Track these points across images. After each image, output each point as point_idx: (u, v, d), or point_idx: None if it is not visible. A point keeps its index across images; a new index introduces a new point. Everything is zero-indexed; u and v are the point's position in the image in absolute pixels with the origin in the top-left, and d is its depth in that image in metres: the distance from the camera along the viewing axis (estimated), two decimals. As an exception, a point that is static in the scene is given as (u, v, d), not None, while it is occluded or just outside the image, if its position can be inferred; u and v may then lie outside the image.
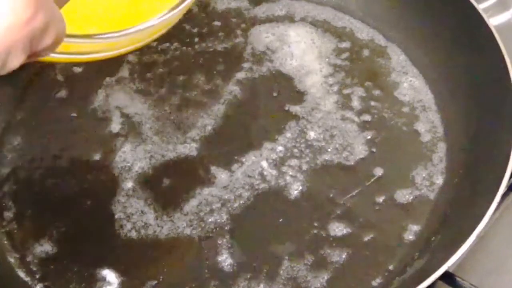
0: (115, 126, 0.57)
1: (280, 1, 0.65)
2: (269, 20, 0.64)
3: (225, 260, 0.49)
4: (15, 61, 0.28)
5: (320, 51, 0.61)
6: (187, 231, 0.51)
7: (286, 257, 0.49)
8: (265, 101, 0.58)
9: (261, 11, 0.64)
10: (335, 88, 0.59)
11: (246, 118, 0.57)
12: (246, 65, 0.60)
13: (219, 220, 0.51)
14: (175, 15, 0.44)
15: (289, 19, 0.63)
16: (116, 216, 0.52)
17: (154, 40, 0.47)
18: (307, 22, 0.63)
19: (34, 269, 0.50)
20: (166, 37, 0.57)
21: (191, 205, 0.52)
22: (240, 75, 0.60)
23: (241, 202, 0.52)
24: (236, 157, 0.55)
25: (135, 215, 0.52)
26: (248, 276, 0.49)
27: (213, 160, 0.55)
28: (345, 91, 0.58)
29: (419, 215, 0.51)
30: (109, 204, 0.52)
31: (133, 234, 0.51)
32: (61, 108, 0.59)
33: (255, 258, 0.50)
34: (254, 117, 0.57)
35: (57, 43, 0.30)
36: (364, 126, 0.56)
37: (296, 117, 0.57)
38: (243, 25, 0.63)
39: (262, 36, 0.62)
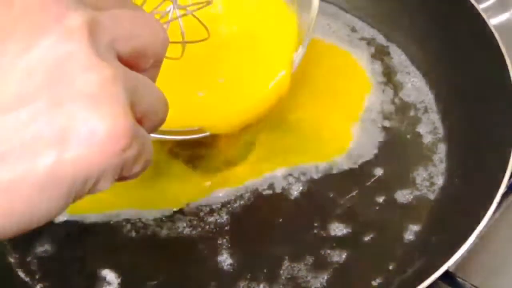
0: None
1: None
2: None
3: (225, 260, 0.49)
4: (105, 185, 0.27)
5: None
6: (187, 231, 0.51)
7: (286, 257, 0.49)
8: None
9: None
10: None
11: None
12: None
13: (219, 220, 0.51)
14: None
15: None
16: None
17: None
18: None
19: (34, 269, 0.50)
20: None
21: (191, 205, 0.52)
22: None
23: (241, 202, 0.52)
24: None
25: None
26: (248, 276, 0.49)
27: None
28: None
29: (419, 215, 0.51)
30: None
31: (133, 234, 0.51)
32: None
33: (255, 259, 0.50)
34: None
35: (144, 170, 0.29)
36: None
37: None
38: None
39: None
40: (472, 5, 0.54)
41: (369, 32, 0.62)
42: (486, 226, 0.44)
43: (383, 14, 0.62)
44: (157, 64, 0.31)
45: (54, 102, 0.25)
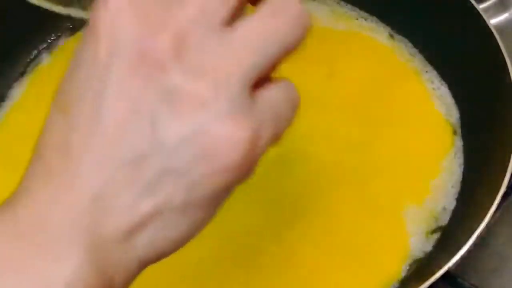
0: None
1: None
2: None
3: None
4: None
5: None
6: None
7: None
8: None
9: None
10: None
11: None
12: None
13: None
14: None
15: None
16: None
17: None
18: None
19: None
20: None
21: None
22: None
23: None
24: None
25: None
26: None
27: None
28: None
29: (419, 215, 0.51)
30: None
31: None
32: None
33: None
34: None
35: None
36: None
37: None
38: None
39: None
40: (472, 5, 0.54)
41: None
42: (486, 226, 0.44)
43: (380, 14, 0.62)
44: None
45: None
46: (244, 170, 0.26)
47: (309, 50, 0.57)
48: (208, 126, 0.25)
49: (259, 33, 0.26)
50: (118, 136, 0.25)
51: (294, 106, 0.28)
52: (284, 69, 0.55)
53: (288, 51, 0.27)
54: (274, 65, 0.27)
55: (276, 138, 0.27)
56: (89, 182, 0.25)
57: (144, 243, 0.26)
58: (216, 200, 0.27)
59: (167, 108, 0.25)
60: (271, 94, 0.27)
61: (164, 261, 0.27)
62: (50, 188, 0.25)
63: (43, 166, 0.26)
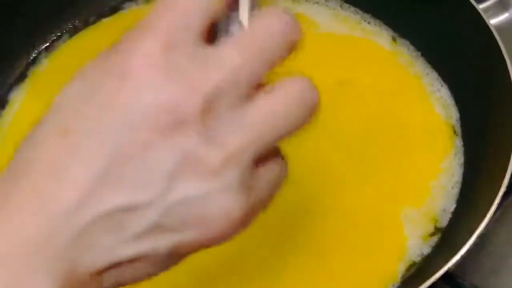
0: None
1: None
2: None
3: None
4: None
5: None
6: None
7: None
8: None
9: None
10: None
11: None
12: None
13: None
14: None
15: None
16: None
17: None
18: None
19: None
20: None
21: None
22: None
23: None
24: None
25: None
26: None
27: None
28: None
29: (421, 216, 0.51)
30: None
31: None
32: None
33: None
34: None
35: None
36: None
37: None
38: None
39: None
40: (472, 5, 0.54)
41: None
42: (486, 226, 0.44)
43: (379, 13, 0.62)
44: None
45: None
46: (227, 239, 0.27)
47: (315, 57, 0.59)
48: (212, 195, 0.25)
49: (275, 114, 0.26)
50: (121, 180, 0.25)
51: (282, 181, 0.29)
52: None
53: (295, 131, 0.27)
54: (257, 77, 0.27)
55: (263, 209, 0.28)
56: (79, 215, 0.25)
57: (111, 278, 0.26)
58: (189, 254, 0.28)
59: (179, 168, 0.25)
60: (269, 171, 0.28)
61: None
62: (27, 209, 0.25)
63: (31, 185, 0.25)
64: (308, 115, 0.27)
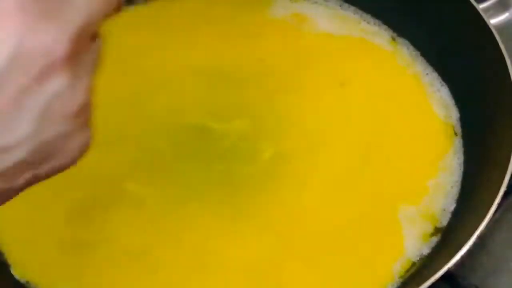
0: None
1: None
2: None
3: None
4: None
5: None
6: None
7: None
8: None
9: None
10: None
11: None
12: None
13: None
14: None
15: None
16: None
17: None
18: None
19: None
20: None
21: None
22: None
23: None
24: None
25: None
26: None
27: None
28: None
29: (419, 215, 0.51)
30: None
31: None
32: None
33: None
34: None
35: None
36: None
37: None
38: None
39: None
40: (472, 5, 0.54)
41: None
42: (486, 226, 0.44)
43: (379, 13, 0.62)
44: None
45: None
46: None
47: (315, 57, 0.59)
48: (73, 134, 0.29)
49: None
50: None
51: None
52: (296, 78, 0.56)
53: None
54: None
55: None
56: None
57: None
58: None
59: (48, 111, 0.27)
60: (93, 52, 0.29)
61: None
62: None
63: None
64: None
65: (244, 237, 0.50)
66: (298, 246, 0.49)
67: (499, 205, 0.45)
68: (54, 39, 0.26)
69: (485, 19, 0.53)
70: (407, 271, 0.48)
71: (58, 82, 0.27)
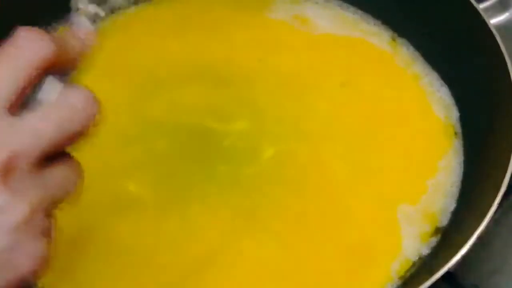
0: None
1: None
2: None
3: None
4: None
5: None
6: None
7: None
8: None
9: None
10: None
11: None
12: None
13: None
14: None
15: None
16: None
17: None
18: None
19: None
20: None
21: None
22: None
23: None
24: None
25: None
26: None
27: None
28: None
29: (418, 214, 0.51)
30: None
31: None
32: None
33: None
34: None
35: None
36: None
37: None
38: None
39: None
40: (472, 5, 0.54)
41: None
42: (486, 226, 0.44)
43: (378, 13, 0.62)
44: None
45: None
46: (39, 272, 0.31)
47: (315, 58, 0.59)
48: (17, 246, 0.29)
49: (43, 123, 0.30)
50: None
51: (76, 180, 0.33)
52: (296, 79, 0.56)
53: (73, 136, 0.31)
54: (63, 146, 0.31)
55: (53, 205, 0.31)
56: None
57: None
58: None
59: None
60: (58, 171, 0.31)
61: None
62: None
63: None
64: (82, 125, 0.31)
65: (244, 237, 0.50)
66: (298, 246, 0.49)
67: (499, 205, 0.45)
68: None
69: (485, 19, 0.53)
70: (407, 271, 0.48)
71: None
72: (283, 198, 0.51)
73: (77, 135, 0.31)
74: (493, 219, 0.45)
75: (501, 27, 0.61)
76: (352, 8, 0.62)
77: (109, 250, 0.49)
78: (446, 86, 0.57)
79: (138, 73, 0.58)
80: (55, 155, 0.31)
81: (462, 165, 0.53)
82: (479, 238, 0.44)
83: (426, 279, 0.43)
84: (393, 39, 0.61)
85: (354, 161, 0.53)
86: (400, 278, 0.48)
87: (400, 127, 0.55)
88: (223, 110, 0.56)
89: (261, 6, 0.63)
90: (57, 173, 0.31)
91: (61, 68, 0.31)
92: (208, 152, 0.54)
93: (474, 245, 0.44)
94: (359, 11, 0.62)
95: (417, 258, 0.49)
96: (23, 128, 0.29)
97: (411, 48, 0.60)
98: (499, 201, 0.45)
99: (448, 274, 0.44)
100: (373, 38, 0.61)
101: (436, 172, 0.53)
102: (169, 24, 0.62)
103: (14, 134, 0.29)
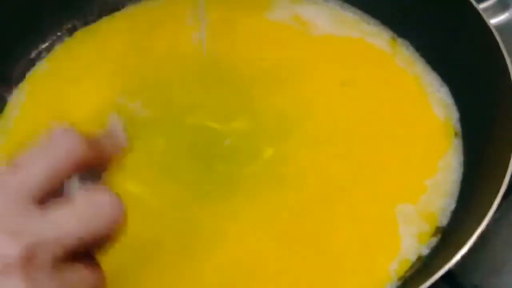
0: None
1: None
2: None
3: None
4: None
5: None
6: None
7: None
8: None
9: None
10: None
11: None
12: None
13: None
14: None
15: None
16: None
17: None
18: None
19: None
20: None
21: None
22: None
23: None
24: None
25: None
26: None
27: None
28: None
29: (417, 214, 0.51)
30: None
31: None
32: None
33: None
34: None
35: None
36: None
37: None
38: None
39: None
40: (472, 5, 0.54)
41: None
42: (486, 226, 0.44)
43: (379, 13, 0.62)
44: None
45: None
46: None
47: (315, 59, 0.59)
48: None
49: (67, 218, 0.30)
50: None
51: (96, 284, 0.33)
52: (296, 79, 0.56)
53: (97, 238, 0.31)
54: (86, 246, 0.31)
55: None
56: None
57: None
58: None
59: None
60: (75, 272, 0.31)
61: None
62: None
63: None
64: (106, 227, 0.31)
65: (243, 237, 0.50)
66: (298, 246, 0.49)
67: (499, 205, 0.45)
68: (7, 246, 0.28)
69: (485, 19, 0.53)
70: (407, 271, 0.48)
71: (11, 282, 0.28)
72: (283, 198, 0.51)
73: (102, 238, 0.31)
74: (493, 219, 0.45)
75: (501, 27, 0.61)
76: (352, 9, 0.62)
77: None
78: (446, 86, 0.57)
79: (137, 73, 0.58)
80: (81, 256, 0.31)
81: (462, 165, 0.53)
82: (479, 238, 0.44)
83: (426, 279, 0.43)
84: (393, 39, 0.61)
85: (353, 161, 0.53)
86: (400, 278, 0.48)
87: (400, 127, 0.55)
88: (223, 110, 0.56)
89: (260, 6, 0.63)
90: (78, 275, 0.31)
91: (92, 168, 0.32)
92: (208, 152, 0.54)
93: (474, 245, 0.44)
94: (359, 11, 0.62)
95: (416, 258, 0.49)
96: (48, 220, 0.30)
97: (411, 48, 0.60)
98: (499, 201, 0.45)
99: (448, 274, 0.44)
100: (372, 38, 0.61)
101: (436, 172, 0.52)
102: (169, 24, 0.62)
103: (38, 225, 0.29)
